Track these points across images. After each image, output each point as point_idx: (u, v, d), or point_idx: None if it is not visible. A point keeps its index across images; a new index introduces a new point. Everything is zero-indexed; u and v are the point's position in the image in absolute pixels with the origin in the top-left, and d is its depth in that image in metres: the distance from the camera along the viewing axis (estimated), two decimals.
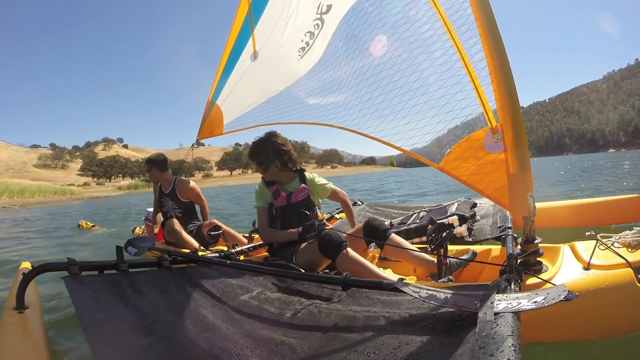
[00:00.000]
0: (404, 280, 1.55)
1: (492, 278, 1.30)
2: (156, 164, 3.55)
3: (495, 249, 2.11)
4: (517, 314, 0.89)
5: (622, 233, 1.62)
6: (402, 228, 2.75)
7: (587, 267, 1.45)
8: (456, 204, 3.11)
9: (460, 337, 0.91)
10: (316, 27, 2.52)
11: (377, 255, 2.34)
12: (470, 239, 2.46)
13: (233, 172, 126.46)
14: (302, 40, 2.62)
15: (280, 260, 2.15)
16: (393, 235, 2.15)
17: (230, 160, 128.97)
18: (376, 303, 1.28)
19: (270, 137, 2.33)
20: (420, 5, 1.72)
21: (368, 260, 1.95)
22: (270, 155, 2.28)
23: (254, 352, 1.06)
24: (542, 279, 1.40)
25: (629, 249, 1.53)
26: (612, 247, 1.54)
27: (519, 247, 1.58)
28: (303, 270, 1.90)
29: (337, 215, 3.81)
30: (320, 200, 2.46)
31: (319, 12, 2.47)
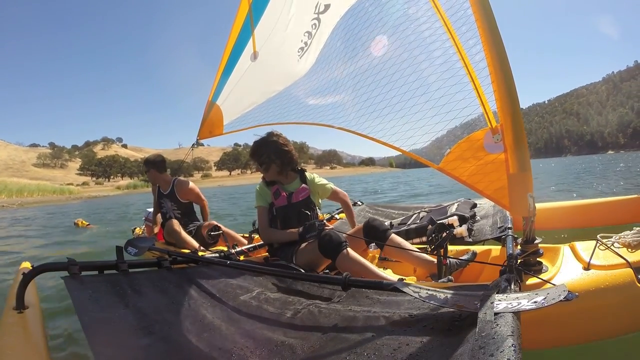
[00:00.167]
0: (404, 281, 1.55)
1: (492, 278, 1.30)
2: (154, 165, 3.53)
3: (495, 249, 2.11)
4: (517, 314, 0.89)
5: (622, 233, 1.62)
6: (402, 228, 2.75)
7: (587, 267, 1.45)
8: (456, 204, 3.12)
9: (460, 337, 0.91)
10: (313, 26, 2.52)
11: (377, 256, 2.34)
12: (470, 239, 2.46)
13: (232, 173, 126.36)
14: (301, 41, 2.62)
15: (280, 260, 2.15)
16: (393, 235, 2.15)
17: (229, 161, 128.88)
18: (376, 303, 1.28)
19: (272, 137, 2.33)
20: (420, 5, 1.72)
21: (368, 261, 1.95)
22: (272, 155, 2.28)
23: (254, 352, 1.06)
24: (542, 279, 1.40)
25: (629, 249, 1.53)
26: (612, 247, 1.54)
27: (519, 247, 1.58)
28: (303, 271, 1.90)
29: (337, 216, 3.81)
30: (320, 201, 2.46)
31: (317, 11, 2.47)
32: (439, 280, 1.77)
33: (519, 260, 1.48)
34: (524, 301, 0.93)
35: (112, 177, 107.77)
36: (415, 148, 1.74)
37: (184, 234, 3.21)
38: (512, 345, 0.74)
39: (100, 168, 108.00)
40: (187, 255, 1.96)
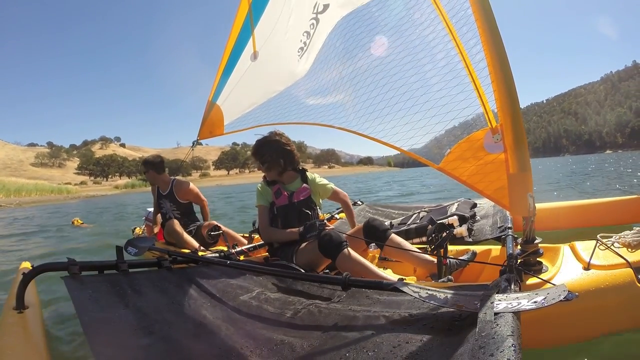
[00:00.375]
0: (404, 281, 1.55)
1: (492, 278, 1.30)
2: (153, 166, 3.52)
3: (495, 249, 2.11)
4: (517, 314, 0.89)
5: (622, 233, 1.63)
6: (402, 228, 2.76)
7: (587, 267, 1.46)
8: (456, 204, 3.12)
9: (460, 337, 0.91)
10: (311, 26, 2.52)
11: (377, 256, 2.34)
12: (470, 239, 2.46)
13: (230, 172, 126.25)
14: (301, 41, 2.62)
15: (280, 260, 2.15)
16: (393, 235, 2.15)
17: (228, 160, 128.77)
18: (376, 303, 1.28)
19: (275, 136, 2.33)
20: (421, 4, 1.72)
21: (368, 261, 1.96)
22: (274, 154, 2.28)
23: (254, 352, 1.06)
24: (542, 279, 1.40)
25: (629, 249, 1.54)
26: (612, 247, 1.54)
27: (519, 247, 1.58)
28: (303, 270, 1.90)
29: (337, 216, 3.81)
30: (321, 201, 2.46)
31: (315, 11, 2.47)
32: (439, 280, 1.77)
33: (519, 260, 1.49)
34: (524, 301, 0.93)
35: (110, 176, 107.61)
36: (416, 148, 1.75)
37: (184, 234, 3.21)
38: (512, 345, 0.74)
39: (99, 167, 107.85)
40: (187, 255, 1.96)
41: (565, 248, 1.67)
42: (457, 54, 1.59)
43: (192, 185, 3.60)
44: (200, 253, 2.46)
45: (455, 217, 2.63)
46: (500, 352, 0.73)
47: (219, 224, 3.33)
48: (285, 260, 2.11)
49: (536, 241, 1.50)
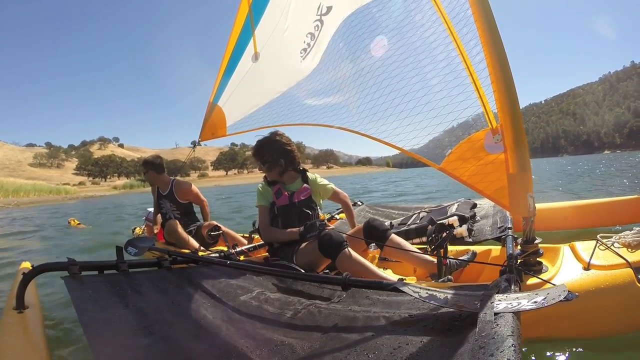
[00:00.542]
0: (404, 281, 1.55)
1: (492, 278, 1.30)
2: (153, 167, 3.51)
3: (495, 249, 2.12)
4: (517, 314, 0.89)
5: (622, 233, 1.63)
6: (402, 228, 2.76)
7: (587, 267, 1.46)
8: (456, 204, 3.12)
9: (460, 337, 0.91)
10: (316, 28, 2.52)
11: (377, 256, 2.34)
12: (470, 240, 2.46)
13: (228, 172, 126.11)
14: (304, 42, 2.62)
15: (280, 260, 2.15)
16: (393, 235, 2.15)
17: (226, 160, 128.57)
18: (376, 303, 1.28)
19: (276, 136, 2.34)
20: (422, 5, 1.72)
21: (368, 261, 1.96)
22: (275, 154, 2.28)
23: (254, 352, 1.06)
24: (542, 279, 1.40)
25: (629, 249, 1.54)
26: (612, 247, 1.55)
27: (519, 247, 1.58)
28: (303, 271, 1.89)
29: (337, 216, 3.81)
30: (321, 201, 2.46)
31: (319, 13, 2.47)
32: (439, 280, 1.77)
33: (519, 260, 1.49)
34: (524, 301, 0.93)
35: (108, 177, 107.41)
36: (417, 148, 1.75)
37: (184, 234, 3.20)
38: (512, 345, 0.74)
39: (97, 168, 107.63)
40: (187, 255, 1.95)
41: (565, 248, 1.68)
42: (457, 55, 1.60)
43: (192, 186, 3.60)
44: (200, 253, 2.46)
45: (455, 217, 2.63)
46: (500, 352, 0.73)
47: (219, 224, 3.33)
48: (285, 260, 2.11)
49: (536, 241, 1.51)
